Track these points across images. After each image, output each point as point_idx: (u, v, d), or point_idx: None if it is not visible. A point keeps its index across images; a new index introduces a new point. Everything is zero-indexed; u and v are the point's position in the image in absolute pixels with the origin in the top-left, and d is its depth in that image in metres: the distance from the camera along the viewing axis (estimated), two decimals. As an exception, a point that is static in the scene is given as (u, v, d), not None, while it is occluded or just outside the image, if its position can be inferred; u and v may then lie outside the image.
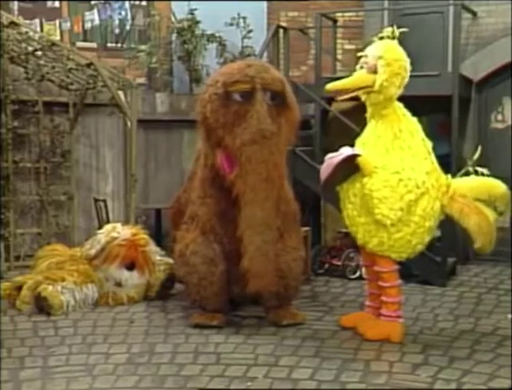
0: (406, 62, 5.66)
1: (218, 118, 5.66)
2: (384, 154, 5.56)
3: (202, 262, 5.91)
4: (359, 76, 5.69)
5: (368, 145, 5.66)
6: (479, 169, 5.76)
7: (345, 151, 5.56)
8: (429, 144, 5.73)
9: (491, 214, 5.60)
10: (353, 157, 5.50)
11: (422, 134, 5.72)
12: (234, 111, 5.62)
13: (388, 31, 5.76)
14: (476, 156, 5.84)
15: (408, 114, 5.74)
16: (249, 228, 5.55)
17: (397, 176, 5.44)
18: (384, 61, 5.53)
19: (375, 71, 5.55)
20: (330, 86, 5.79)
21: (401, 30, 5.80)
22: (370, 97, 5.64)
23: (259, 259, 5.53)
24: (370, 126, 5.74)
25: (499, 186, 5.70)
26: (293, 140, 6.07)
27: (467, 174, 5.82)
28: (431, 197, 5.53)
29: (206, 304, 5.96)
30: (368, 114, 5.79)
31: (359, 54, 5.85)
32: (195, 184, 6.35)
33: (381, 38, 5.74)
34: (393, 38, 5.71)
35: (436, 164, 5.70)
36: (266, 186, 5.56)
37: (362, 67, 5.69)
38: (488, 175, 5.75)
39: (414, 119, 5.75)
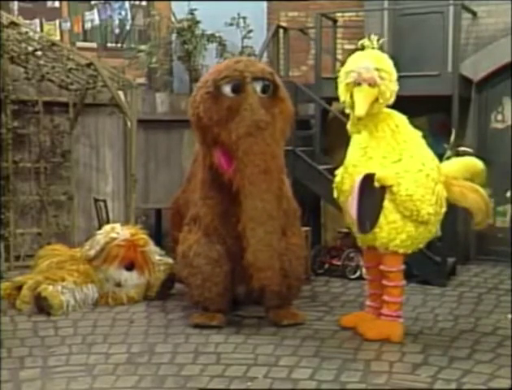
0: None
1: (211, 116, 5.65)
2: (392, 153, 5.57)
3: (206, 262, 5.90)
4: (368, 93, 5.48)
5: (371, 147, 5.64)
6: (460, 149, 5.93)
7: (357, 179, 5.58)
8: (419, 133, 5.79)
9: (483, 191, 5.87)
10: (368, 178, 5.50)
11: (410, 126, 5.78)
12: (227, 107, 5.61)
13: (368, 41, 5.64)
14: (452, 139, 5.97)
15: (394, 111, 5.74)
16: (250, 221, 5.50)
17: (423, 173, 5.52)
18: (385, 72, 5.49)
19: (374, 84, 5.47)
20: (360, 114, 5.51)
21: (381, 40, 5.73)
22: (374, 107, 5.54)
23: (263, 251, 5.47)
24: (366, 132, 5.70)
25: (477, 164, 5.98)
26: (288, 132, 6.04)
27: (448, 158, 6.00)
28: (441, 183, 5.66)
29: (209, 304, 5.95)
30: (359, 126, 5.68)
31: (343, 70, 5.65)
32: (195, 185, 6.34)
33: (362, 49, 5.65)
34: (374, 48, 5.63)
35: (431, 152, 5.78)
36: (266, 177, 5.52)
37: (358, 84, 5.45)
38: (464, 155, 6.02)
39: (402, 115, 5.76)
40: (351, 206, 5.58)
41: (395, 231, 5.55)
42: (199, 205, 6.12)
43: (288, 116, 5.86)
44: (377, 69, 5.47)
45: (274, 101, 5.73)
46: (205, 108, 5.67)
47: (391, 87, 5.53)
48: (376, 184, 5.48)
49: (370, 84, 5.47)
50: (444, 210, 5.72)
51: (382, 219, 5.54)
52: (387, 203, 5.51)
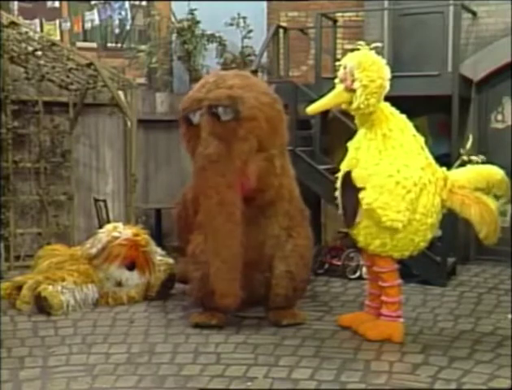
0: (384, 78, 5.52)
1: (184, 141, 5.91)
2: (376, 156, 5.54)
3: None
4: (337, 95, 5.62)
5: (362, 149, 5.65)
6: (474, 158, 5.77)
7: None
8: (421, 139, 5.70)
9: (492, 203, 5.58)
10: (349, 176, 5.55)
11: (412, 130, 5.70)
12: (192, 135, 5.73)
13: (364, 45, 5.64)
14: (469, 145, 5.85)
15: (396, 112, 5.70)
16: (209, 251, 5.64)
17: (393, 180, 5.41)
18: (360, 83, 5.43)
19: (351, 89, 5.48)
20: (311, 109, 5.77)
21: (378, 44, 5.72)
22: (350, 110, 5.63)
23: (221, 279, 5.56)
24: (362, 130, 5.73)
25: (496, 173, 5.70)
26: (276, 143, 5.91)
27: (463, 164, 5.83)
28: (429, 193, 5.51)
29: (208, 301, 5.94)
30: (357, 122, 5.75)
31: (337, 63, 5.78)
32: None
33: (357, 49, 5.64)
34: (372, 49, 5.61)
35: (430, 159, 5.68)
36: (221, 209, 5.53)
37: (340, 81, 5.59)
38: (483, 163, 5.76)
39: (403, 117, 5.71)
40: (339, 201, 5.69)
41: (370, 236, 5.55)
42: None
43: (263, 132, 5.69)
44: (356, 79, 5.44)
45: (239, 124, 5.59)
46: (180, 132, 5.94)
47: (364, 98, 5.43)
48: (350, 183, 5.50)
49: (346, 88, 5.51)
50: (431, 220, 5.54)
51: (359, 223, 5.55)
52: (361, 208, 5.49)
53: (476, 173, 5.70)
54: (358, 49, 5.63)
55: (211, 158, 5.54)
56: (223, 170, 5.56)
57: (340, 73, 5.61)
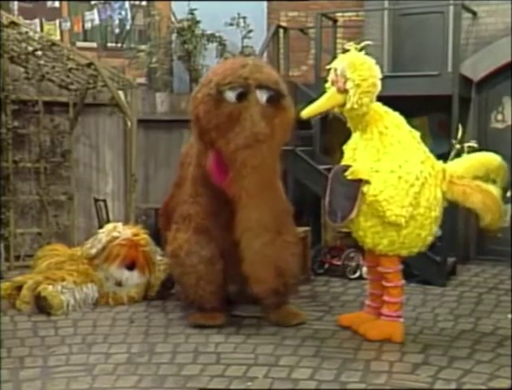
0: (376, 77, 5.56)
1: (211, 119, 5.50)
2: (375, 155, 5.55)
3: (199, 261, 5.88)
4: (330, 97, 5.63)
5: (359, 150, 5.66)
6: (468, 144, 5.79)
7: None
8: (417, 134, 5.70)
9: (493, 190, 5.61)
10: (344, 169, 5.52)
11: (408, 126, 5.70)
12: (227, 113, 5.45)
13: (352, 45, 5.68)
14: (459, 135, 5.88)
15: (389, 110, 5.71)
16: (246, 231, 5.48)
17: (395, 175, 5.41)
18: (352, 83, 5.44)
19: (344, 90, 5.49)
20: (305, 113, 5.76)
21: (367, 43, 5.76)
22: (344, 112, 5.63)
23: (259, 263, 5.48)
24: (357, 132, 5.73)
25: (494, 159, 5.74)
26: (287, 140, 5.95)
27: (458, 155, 5.84)
28: (431, 186, 5.53)
29: (204, 303, 5.94)
30: (350, 125, 5.75)
31: (327, 66, 5.78)
32: (186, 186, 6.30)
33: (347, 51, 5.67)
34: (361, 50, 5.63)
35: (428, 152, 5.69)
36: (262, 189, 5.48)
37: (332, 84, 5.62)
38: (478, 150, 5.78)
39: (397, 114, 5.72)
40: (325, 196, 5.62)
41: (377, 235, 5.54)
42: (189, 203, 6.08)
43: (288, 125, 5.73)
44: (348, 79, 5.45)
45: (276, 111, 5.58)
46: (205, 110, 5.52)
47: (357, 98, 5.44)
48: (349, 177, 5.47)
49: (339, 90, 5.51)
50: (434, 213, 5.56)
51: (363, 223, 5.54)
52: (365, 207, 5.48)
53: (474, 161, 5.72)
54: (349, 51, 5.65)
55: (258, 137, 5.39)
56: (266, 151, 5.46)
57: (332, 76, 5.61)
